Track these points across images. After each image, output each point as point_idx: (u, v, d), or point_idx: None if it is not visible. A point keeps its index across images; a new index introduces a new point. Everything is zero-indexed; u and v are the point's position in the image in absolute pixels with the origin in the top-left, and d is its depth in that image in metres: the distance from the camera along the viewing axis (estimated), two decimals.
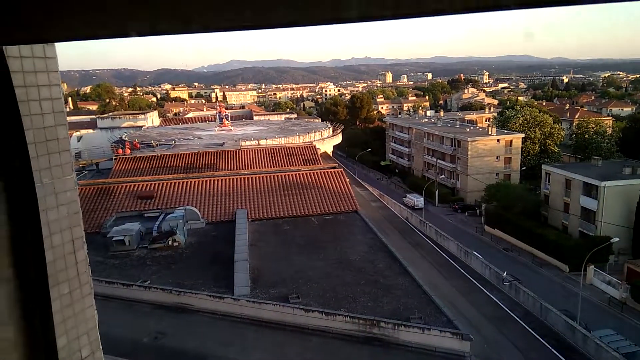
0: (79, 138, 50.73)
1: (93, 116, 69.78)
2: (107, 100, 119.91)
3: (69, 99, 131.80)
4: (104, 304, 16.98)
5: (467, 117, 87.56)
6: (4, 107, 2.14)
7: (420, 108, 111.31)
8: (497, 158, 63.26)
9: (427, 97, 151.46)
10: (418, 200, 53.93)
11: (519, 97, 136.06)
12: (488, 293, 17.69)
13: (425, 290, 15.86)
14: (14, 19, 1.38)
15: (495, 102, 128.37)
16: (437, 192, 59.55)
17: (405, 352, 13.35)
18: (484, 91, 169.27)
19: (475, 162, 61.42)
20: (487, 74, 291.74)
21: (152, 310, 16.52)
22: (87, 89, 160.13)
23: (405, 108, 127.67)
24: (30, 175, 2.25)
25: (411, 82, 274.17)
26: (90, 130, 53.70)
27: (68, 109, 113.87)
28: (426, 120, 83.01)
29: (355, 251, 19.91)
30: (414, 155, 76.07)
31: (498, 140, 63.43)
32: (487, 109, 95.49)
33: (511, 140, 64.53)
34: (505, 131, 67.22)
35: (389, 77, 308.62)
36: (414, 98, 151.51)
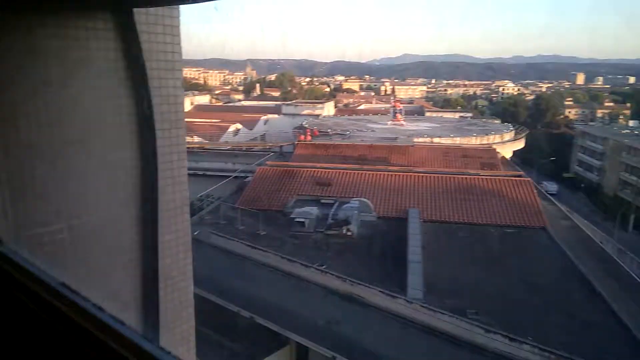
0: (266, 121, 55.88)
1: (277, 102, 76.26)
2: (289, 88, 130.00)
3: (257, 85, 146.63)
4: (284, 279, 18.24)
5: None
6: (134, 70, 2.41)
7: (621, 117, 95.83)
8: None
9: (628, 105, 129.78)
10: (551, 186, 47.97)
11: None
12: None
13: (635, 335, 13.33)
14: None
15: None
16: (632, 216, 50.73)
17: None
18: None
19: None
20: None
21: (326, 295, 17.12)
22: (272, 77, 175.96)
23: (599, 115, 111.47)
24: (151, 101, 2.48)
25: (608, 86, 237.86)
26: (275, 115, 58.70)
27: (256, 94, 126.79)
28: (627, 131, 71.20)
29: (544, 274, 17.77)
30: (607, 170, 66.04)
31: None
32: None
33: None
34: None
35: (581, 79, 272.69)
36: (611, 104, 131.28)
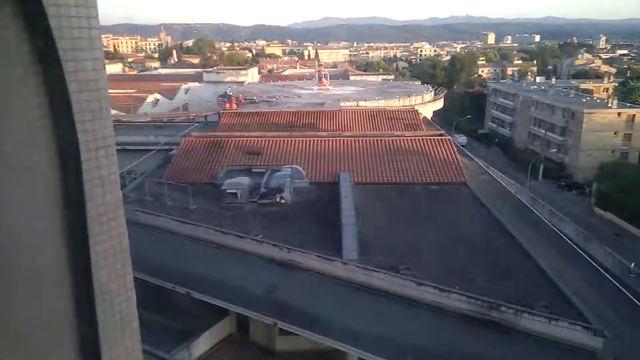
0: (187, 90, 53.42)
1: (197, 70, 72.97)
2: (209, 55, 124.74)
3: (174, 51, 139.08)
4: (221, 253, 17.92)
5: (582, 86, 79.37)
6: (42, 54, 2.02)
7: (529, 74, 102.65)
8: (615, 134, 57.09)
9: (534, 62, 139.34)
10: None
11: None
12: (619, 285, 16.08)
13: (550, 277, 14.73)
14: None
15: (614, 70, 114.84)
16: (542, 166, 55.34)
17: (526, 340, 12.56)
18: (600, 58, 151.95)
19: (589, 136, 55.99)
20: (603, 38, 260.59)
21: (264, 264, 17.09)
22: (189, 43, 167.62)
23: (509, 72, 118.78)
24: (66, 90, 2.11)
25: (516, 44, 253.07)
26: (197, 84, 56.24)
27: (173, 61, 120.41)
28: (535, 87, 76.60)
29: (468, 226, 18.98)
30: (518, 125, 71.11)
31: (619, 113, 57.01)
32: (605, 78, 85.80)
33: (634, 115, 57.69)
34: (628, 104, 60.13)
35: (491, 38, 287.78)
36: (520, 62, 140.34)
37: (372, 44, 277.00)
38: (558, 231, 19.90)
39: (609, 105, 58.14)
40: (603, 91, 77.16)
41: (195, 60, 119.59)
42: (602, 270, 17.39)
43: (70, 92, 2.12)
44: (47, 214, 2.13)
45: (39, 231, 2.10)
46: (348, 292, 15.26)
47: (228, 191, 21.67)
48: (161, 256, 17.11)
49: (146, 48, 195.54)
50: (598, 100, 64.01)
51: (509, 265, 15.90)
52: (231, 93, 45.54)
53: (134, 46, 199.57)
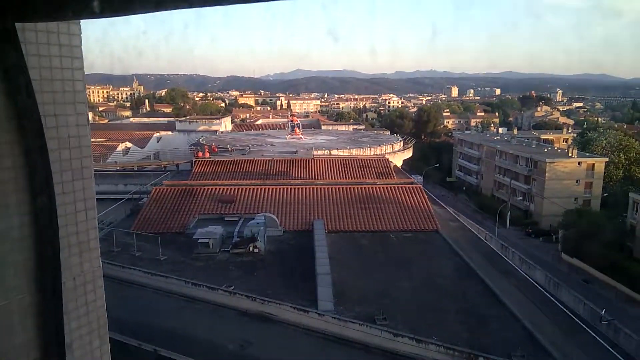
0: (159, 139, 53.11)
1: (170, 118, 73.00)
2: (182, 104, 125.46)
3: (146, 100, 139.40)
4: (190, 305, 17.26)
5: (543, 136, 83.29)
6: (20, 107, 1.83)
7: (492, 125, 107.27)
8: (577, 182, 59.54)
9: (496, 114, 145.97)
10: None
11: (598, 119, 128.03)
12: (591, 332, 16.21)
13: (525, 325, 14.74)
14: None
15: (571, 122, 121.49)
16: (509, 213, 56.76)
17: None
18: (558, 110, 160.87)
19: (552, 184, 58.11)
20: (560, 92, 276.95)
21: (237, 317, 16.53)
22: (162, 92, 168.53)
23: (473, 124, 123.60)
24: (45, 147, 1.89)
25: (478, 97, 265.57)
26: (169, 132, 56.09)
27: (145, 110, 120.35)
28: (498, 137, 79.82)
29: (442, 274, 19.03)
30: (484, 174, 73.31)
31: (579, 163, 59.70)
32: (564, 129, 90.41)
33: (593, 164, 60.51)
34: (587, 154, 63.16)
35: (455, 91, 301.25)
36: (482, 114, 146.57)
37: (342, 95, 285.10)
38: (529, 278, 20.15)
39: (570, 155, 60.91)
40: (563, 141, 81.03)
41: (168, 110, 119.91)
42: (574, 318, 17.54)
43: (49, 149, 1.89)
44: (15, 287, 1.88)
45: (7, 306, 1.85)
46: (324, 345, 14.84)
47: (200, 240, 21.19)
48: (128, 311, 16.32)
49: (118, 97, 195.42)
50: (559, 150, 67.07)
51: (484, 313, 15.88)
52: (204, 141, 45.55)
53: (105, 95, 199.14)
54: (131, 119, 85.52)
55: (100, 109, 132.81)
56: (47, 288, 1.90)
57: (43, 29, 1.98)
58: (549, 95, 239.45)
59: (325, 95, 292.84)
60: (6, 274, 1.85)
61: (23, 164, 1.86)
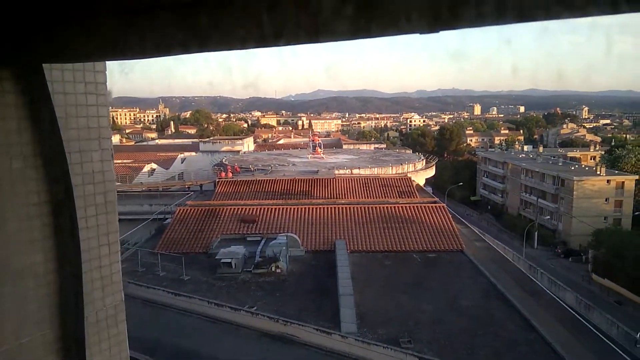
0: (183, 160, 54.11)
1: (194, 140, 74.40)
2: (205, 125, 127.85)
3: (171, 122, 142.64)
4: (213, 326, 17.26)
5: (570, 154, 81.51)
6: (46, 144, 1.86)
7: (517, 143, 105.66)
8: (606, 200, 57.79)
9: (520, 131, 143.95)
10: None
11: (626, 135, 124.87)
12: (627, 357, 15.51)
13: (555, 349, 14.20)
14: (52, 35, 1.30)
15: (598, 139, 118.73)
16: (536, 233, 55.37)
17: None
18: (584, 127, 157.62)
19: (581, 203, 56.55)
20: (586, 109, 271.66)
21: (259, 337, 16.44)
22: (187, 114, 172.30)
23: (497, 142, 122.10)
24: (70, 183, 1.93)
25: (502, 115, 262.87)
26: (193, 153, 57.11)
27: (170, 132, 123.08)
28: (523, 155, 78.48)
29: (467, 296, 18.56)
30: (509, 192, 71.96)
31: (608, 181, 58.05)
32: (591, 147, 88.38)
33: (623, 182, 58.78)
34: (616, 172, 61.46)
35: (478, 109, 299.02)
36: (506, 131, 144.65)
37: (363, 115, 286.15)
38: (559, 300, 19.50)
39: (598, 172, 59.35)
40: (590, 159, 79.12)
41: (192, 131, 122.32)
42: (607, 341, 16.84)
43: (73, 186, 1.93)
44: (39, 322, 1.89)
45: (30, 342, 1.85)
46: None
47: (222, 261, 21.27)
48: (151, 331, 16.41)
49: (144, 119, 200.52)
50: (587, 168, 65.43)
51: (512, 337, 15.37)
52: (227, 162, 46.16)
53: (132, 118, 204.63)
54: (157, 141, 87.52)
55: (127, 131, 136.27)
56: (69, 323, 1.92)
57: (69, 67, 2.02)
58: (574, 113, 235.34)
59: (347, 115, 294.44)
60: (30, 309, 1.86)
61: (48, 200, 1.89)
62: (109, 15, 1.18)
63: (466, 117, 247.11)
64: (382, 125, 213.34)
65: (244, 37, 1.08)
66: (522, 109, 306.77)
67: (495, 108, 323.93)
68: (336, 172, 41.15)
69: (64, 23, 1.27)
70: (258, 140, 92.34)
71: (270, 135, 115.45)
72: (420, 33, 1.04)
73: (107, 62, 2.25)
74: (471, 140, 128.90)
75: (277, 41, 1.05)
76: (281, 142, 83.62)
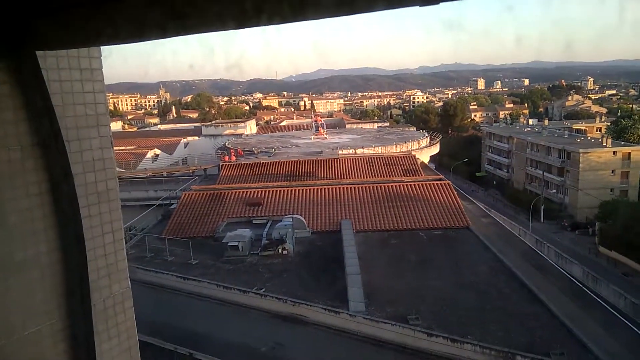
0: (186, 144, 54.08)
1: (196, 124, 74.18)
2: (207, 109, 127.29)
3: (173, 107, 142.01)
4: (222, 308, 17.45)
5: (575, 126, 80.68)
6: (43, 133, 1.83)
7: (521, 116, 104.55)
8: (612, 172, 57.37)
9: (525, 105, 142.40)
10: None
11: (632, 105, 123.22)
12: (634, 328, 15.58)
13: (563, 322, 14.28)
14: (49, 22, 1.28)
15: (604, 110, 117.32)
16: (542, 207, 55.20)
17: None
18: (590, 98, 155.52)
19: (587, 175, 56.18)
20: (591, 80, 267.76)
21: (268, 319, 16.62)
22: (188, 98, 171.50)
23: (501, 116, 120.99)
24: (69, 172, 1.91)
25: (506, 89, 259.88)
26: (196, 137, 57.02)
27: (172, 117, 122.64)
28: (529, 129, 77.76)
29: (474, 272, 18.63)
30: (514, 167, 71.54)
31: (614, 152, 57.51)
32: (597, 118, 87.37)
33: (629, 153, 58.22)
34: (622, 143, 60.88)
35: (481, 84, 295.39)
36: (511, 105, 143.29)
37: (365, 93, 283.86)
38: (566, 273, 19.53)
39: (604, 144, 58.78)
40: (596, 131, 78.29)
41: (194, 115, 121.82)
42: (615, 313, 16.90)
43: (73, 174, 1.90)
44: (47, 312, 1.89)
45: (38, 332, 1.85)
46: (356, 346, 14.74)
47: (229, 244, 21.40)
48: (162, 315, 16.62)
49: (145, 105, 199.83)
50: (592, 140, 64.81)
51: (520, 311, 15.45)
52: (230, 145, 46.07)
53: (133, 103, 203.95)
54: (159, 126, 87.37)
55: (129, 117, 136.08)
56: (77, 312, 1.91)
57: (64, 54, 1.97)
58: (579, 84, 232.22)
59: (349, 94, 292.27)
60: (36, 300, 1.85)
61: (49, 189, 1.87)
62: (77, 5, 1.14)
63: (470, 92, 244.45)
64: (385, 103, 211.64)
65: (221, 14, 1.00)
66: (527, 81, 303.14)
67: (499, 82, 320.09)
68: (340, 152, 40.99)
69: (45, 14, 1.26)
70: (260, 122, 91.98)
71: (272, 117, 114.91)
72: (420, 5, 0.97)
73: (103, 47, 2.19)
74: (475, 115, 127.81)
75: (259, 18, 0.98)
76: (284, 123, 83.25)
